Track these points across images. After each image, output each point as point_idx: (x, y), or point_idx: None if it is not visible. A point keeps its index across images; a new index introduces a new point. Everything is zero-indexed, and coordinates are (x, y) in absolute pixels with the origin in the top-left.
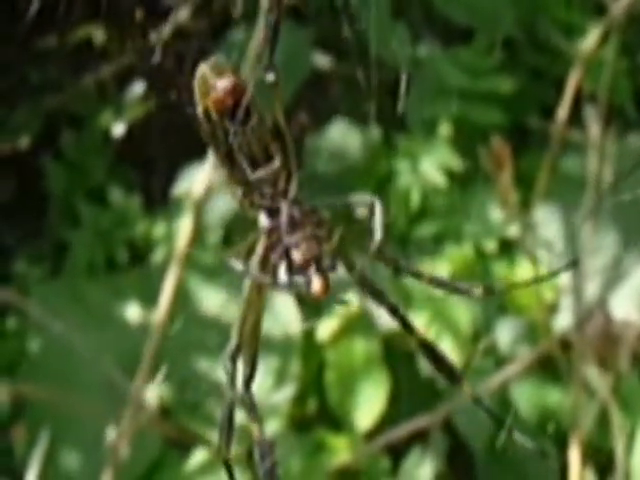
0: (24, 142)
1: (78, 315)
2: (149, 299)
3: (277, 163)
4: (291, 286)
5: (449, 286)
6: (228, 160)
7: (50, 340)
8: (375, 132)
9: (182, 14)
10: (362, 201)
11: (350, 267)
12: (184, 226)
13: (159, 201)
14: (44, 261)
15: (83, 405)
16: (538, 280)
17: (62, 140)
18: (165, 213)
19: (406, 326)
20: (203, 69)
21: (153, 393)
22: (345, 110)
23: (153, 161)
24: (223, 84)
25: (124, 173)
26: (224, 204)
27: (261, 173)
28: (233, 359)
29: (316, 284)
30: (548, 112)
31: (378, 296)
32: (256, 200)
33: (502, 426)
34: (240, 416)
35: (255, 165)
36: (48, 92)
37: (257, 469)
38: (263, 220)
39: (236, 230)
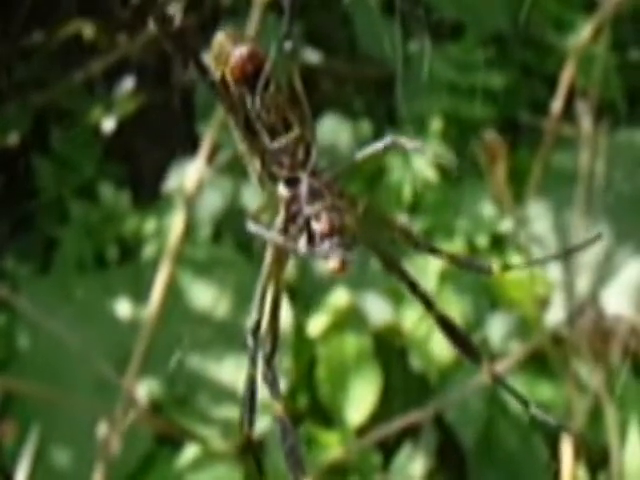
0: (13, 138)
1: (68, 311)
2: (139, 295)
3: (296, 132)
4: (312, 257)
5: (465, 263)
6: (246, 129)
7: (40, 336)
8: (365, 127)
9: (172, 10)
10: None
11: (370, 240)
12: (175, 222)
13: (149, 197)
14: (33, 257)
15: (73, 401)
16: (538, 262)
17: (51, 136)
18: (155, 209)
19: (426, 302)
20: (220, 37)
21: (144, 389)
22: (335, 105)
23: (143, 157)
24: (241, 51)
25: (114, 169)
26: (215, 199)
27: (280, 142)
28: (254, 335)
29: (335, 261)
30: (539, 107)
31: (397, 271)
32: (275, 170)
33: (526, 408)
34: (227, 411)
35: (273, 135)
36: (37, 88)
37: (280, 446)
38: (282, 191)
39: (227, 225)
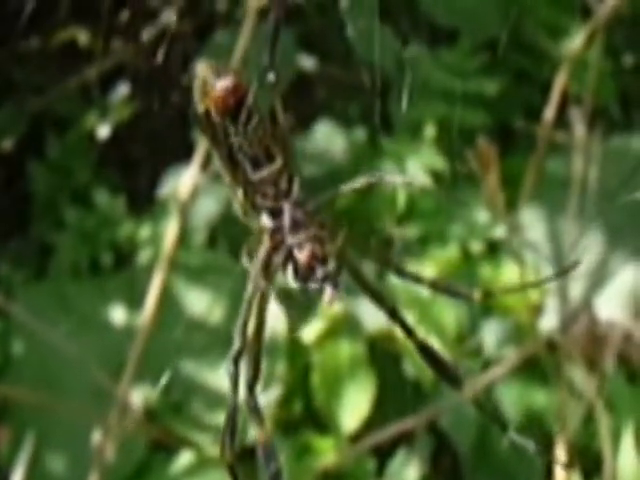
0: (8, 144)
1: (63, 317)
2: (134, 301)
3: (278, 164)
4: (300, 291)
5: (449, 290)
6: (229, 161)
7: (35, 342)
8: (360, 134)
9: (167, 16)
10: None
11: (351, 268)
12: (170, 228)
13: (144, 203)
14: (28, 263)
15: (68, 408)
16: (537, 284)
17: (46, 142)
18: (150, 215)
19: (405, 328)
20: (203, 69)
21: (138, 395)
22: (330, 112)
23: (138, 163)
24: (224, 84)
25: (109, 175)
26: (209, 205)
27: (262, 174)
28: (236, 362)
29: (328, 295)
30: (533, 114)
31: (377, 297)
32: (258, 201)
33: (504, 430)
34: (221, 417)
35: (256, 166)
36: (32, 94)
37: (261, 472)
38: (265, 221)
39: (221, 231)
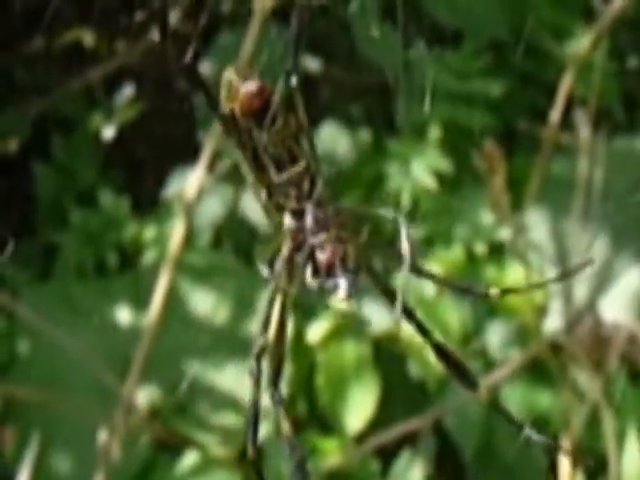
0: (13, 145)
1: (68, 318)
2: (139, 302)
3: (301, 165)
4: (318, 289)
5: (464, 289)
6: (254, 162)
7: (40, 343)
8: (365, 135)
9: (172, 17)
10: (386, 216)
11: (368, 269)
12: (175, 229)
13: (149, 204)
14: (33, 264)
15: (74, 407)
16: (542, 285)
17: (51, 143)
18: (155, 216)
19: (422, 331)
20: (229, 73)
21: (144, 395)
22: (334, 113)
23: (143, 164)
24: (249, 87)
25: (114, 176)
26: (215, 206)
27: (286, 175)
28: (258, 359)
29: (343, 290)
30: (538, 115)
31: (394, 298)
32: (281, 202)
33: (520, 429)
34: (227, 418)
35: (280, 167)
36: (37, 95)
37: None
38: (288, 222)
39: (227, 232)
